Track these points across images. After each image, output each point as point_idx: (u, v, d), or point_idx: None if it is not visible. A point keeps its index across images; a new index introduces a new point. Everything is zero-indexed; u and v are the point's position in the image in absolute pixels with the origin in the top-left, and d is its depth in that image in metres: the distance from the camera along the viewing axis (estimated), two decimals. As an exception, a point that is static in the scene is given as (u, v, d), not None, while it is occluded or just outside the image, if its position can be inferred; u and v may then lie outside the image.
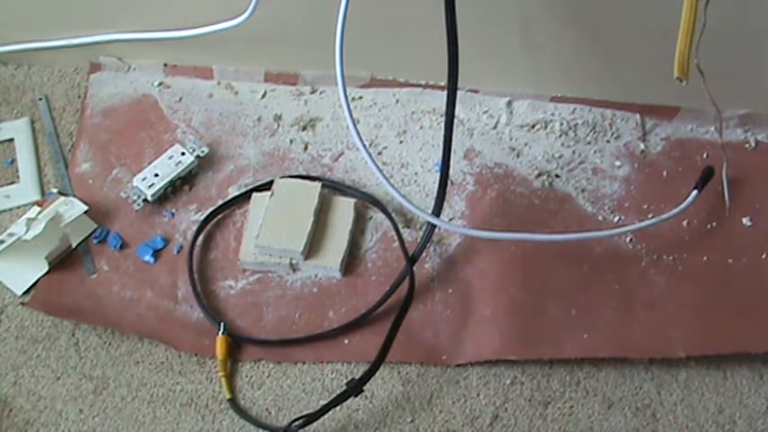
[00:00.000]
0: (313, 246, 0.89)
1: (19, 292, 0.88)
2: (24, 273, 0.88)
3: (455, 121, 0.82)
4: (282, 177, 0.94)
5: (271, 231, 0.88)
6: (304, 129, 1.01)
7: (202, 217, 0.92)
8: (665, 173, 0.98)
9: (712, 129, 1.01)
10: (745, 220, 0.94)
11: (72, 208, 0.90)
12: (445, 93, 0.80)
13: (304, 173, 0.96)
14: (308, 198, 0.90)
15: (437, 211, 0.87)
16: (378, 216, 0.94)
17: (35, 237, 0.86)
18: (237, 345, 0.85)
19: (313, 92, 1.04)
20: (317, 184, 0.92)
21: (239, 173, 0.97)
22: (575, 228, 0.92)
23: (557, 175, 0.97)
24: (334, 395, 0.78)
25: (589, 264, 0.90)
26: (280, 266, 0.89)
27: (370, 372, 0.79)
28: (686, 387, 0.84)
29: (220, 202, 0.93)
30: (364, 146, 0.82)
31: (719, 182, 0.94)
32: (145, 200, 0.93)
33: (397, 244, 0.90)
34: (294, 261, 0.88)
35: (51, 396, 0.82)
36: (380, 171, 0.82)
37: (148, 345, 0.85)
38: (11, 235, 0.88)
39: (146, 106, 1.02)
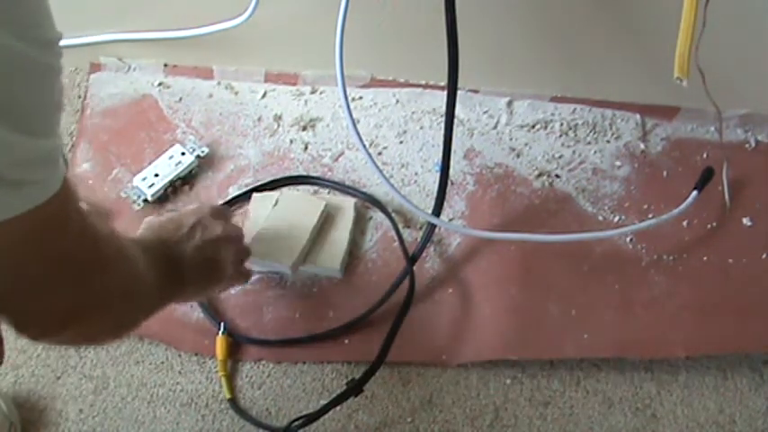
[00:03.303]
0: (313, 246, 0.89)
1: (19, 292, 0.88)
2: (24, 273, 0.88)
3: (455, 121, 0.82)
4: (289, 188, 0.94)
5: (262, 246, 0.86)
6: (304, 129, 1.00)
7: (202, 217, 0.92)
8: (665, 173, 0.98)
9: (712, 129, 1.01)
10: (746, 220, 0.94)
11: (72, 208, 0.90)
12: (445, 93, 0.80)
13: (304, 173, 0.96)
14: (308, 216, 0.88)
15: (437, 211, 0.87)
16: (378, 216, 0.94)
17: (35, 237, 0.86)
18: (237, 345, 0.85)
19: (313, 92, 1.04)
20: (322, 203, 0.89)
21: (239, 173, 0.97)
22: (575, 228, 0.92)
23: (557, 176, 0.97)
24: (334, 395, 0.78)
25: (589, 264, 0.90)
26: (279, 267, 0.88)
27: (370, 372, 0.79)
28: (686, 387, 0.84)
29: (220, 203, 0.93)
30: (364, 146, 0.82)
31: (719, 182, 0.94)
32: (145, 200, 0.93)
33: (397, 244, 0.90)
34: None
35: (51, 396, 0.82)
36: (380, 171, 0.82)
37: (148, 345, 0.85)
38: (11, 235, 0.87)
39: (146, 106, 1.02)
